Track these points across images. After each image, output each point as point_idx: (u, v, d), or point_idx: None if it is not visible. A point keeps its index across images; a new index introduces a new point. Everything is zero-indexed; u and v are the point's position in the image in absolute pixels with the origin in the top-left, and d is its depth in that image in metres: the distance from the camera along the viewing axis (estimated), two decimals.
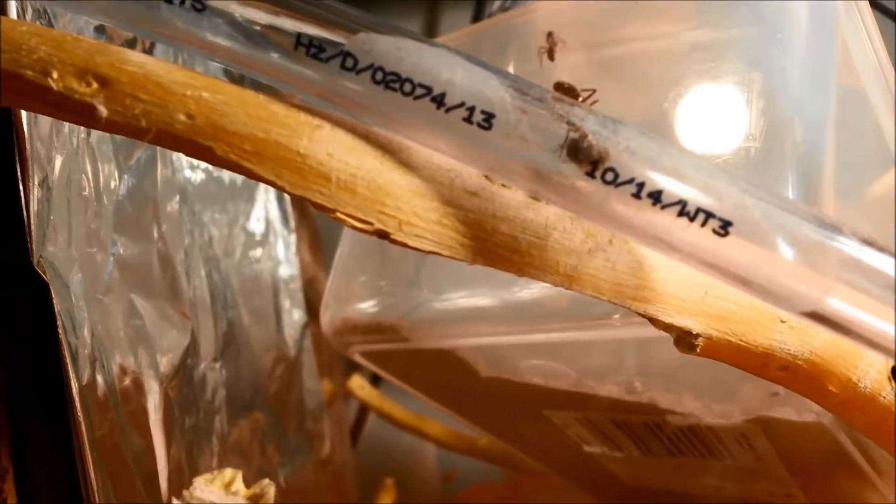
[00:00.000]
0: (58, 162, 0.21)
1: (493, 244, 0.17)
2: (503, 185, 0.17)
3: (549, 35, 0.32)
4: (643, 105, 0.27)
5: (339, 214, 0.16)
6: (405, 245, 0.16)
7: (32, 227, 0.19)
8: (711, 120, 0.27)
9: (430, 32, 0.55)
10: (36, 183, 0.20)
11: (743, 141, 0.26)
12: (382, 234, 0.16)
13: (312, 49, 0.16)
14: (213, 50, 0.17)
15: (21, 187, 0.19)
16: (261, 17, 0.16)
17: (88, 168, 0.23)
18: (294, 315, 0.48)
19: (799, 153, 0.26)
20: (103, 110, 0.16)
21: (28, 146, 0.20)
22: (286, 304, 0.47)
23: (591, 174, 0.16)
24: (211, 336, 0.32)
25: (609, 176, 0.16)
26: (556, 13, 0.32)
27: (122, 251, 0.25)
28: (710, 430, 0.33)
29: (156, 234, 0.28)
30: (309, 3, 0.16)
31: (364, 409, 0.58)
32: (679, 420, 0.33)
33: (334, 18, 0.16)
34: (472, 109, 0.16)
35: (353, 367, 0.53)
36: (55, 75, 0.16)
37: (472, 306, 0.30)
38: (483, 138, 0.16)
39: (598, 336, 0.28)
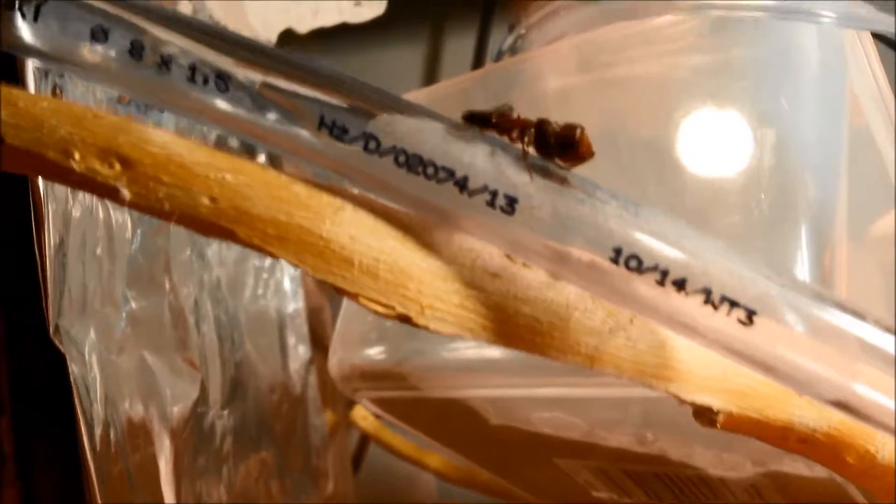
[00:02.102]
0: (73, 221, 0.21)
1: (514, 326, 0.17)
2: (524, 265, 0.17)
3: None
4: (646, 143, 0.27)
5: (361, 300, 0.16)
6: (427, 328, 0.16)
7: (49, 295, 0.19)
8: (721, 171, 0.27)
9: (431, 68, 0.55)
10: (52, 248, 0.20)
11: (755, 193, 0.26)
12: (404, 319, 0.16)
13: (336, 130, 0.16)
14: (232, 124, 0.17)
15: (38, 255, 0.19)
16: (282, 94, 0.16)
17: (102, 223, 0.23)
18: (299, 350, 0.48)
19: (812, 206, 0.25)
20: (126, 193, 0.16)
21: (45, 210, 0.19)
22: (291, 339, 0.47)
23: (614, 260, 0.16)
24: (219, 382, 0.32)
25: (633, 263, 0.15)
26: (558, 52, 0.32)
27: (133, 306, 0.25)
28: (721, 480, 0.32)
29: (167, 286, 0.28)
30: (331, 79, 0.16)
31: (365, 437, 0.58)
32: (689, 471, 0.32)
33: (356, 97, 0.16)
34: (494, 193, 0.16)
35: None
36: (77, 156, 0.16)
37: (481, 357, 0.30)
38: (505, 221, 0.16)
39: (609, 393, 0.27)
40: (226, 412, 0.32)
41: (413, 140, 0.16)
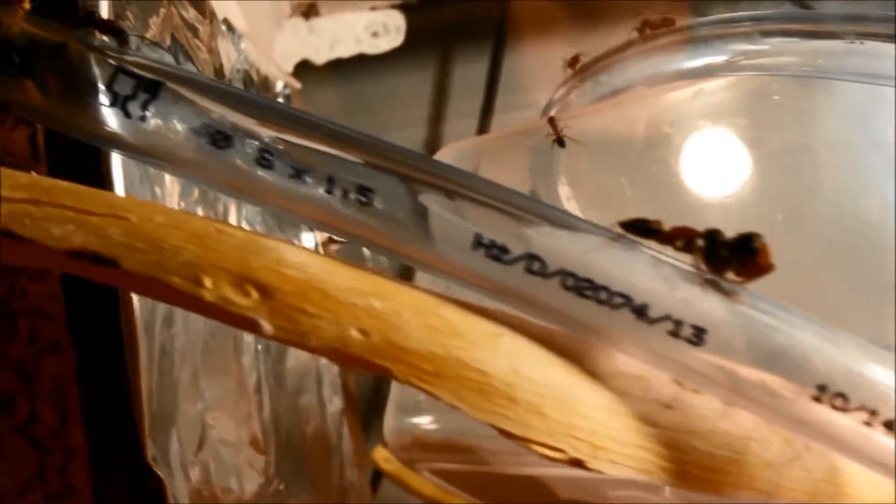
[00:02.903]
0: (157, 326, 0.19)
1: (688, 464, 0.15)
2: (694, 392, 0.15)
3: (552, 120, 0.30)
4: None
5: (527, 443, 0.14)
6: (599, 472, 0.14)
7: (145, 421, 0.17)
8: None
9: (442, 95, 0.53)
10: (143, 373, 0.18)
11: None
12: (576, 463, 0.14)
13: (494, 250, 0.14)
14: (371, 236, 0.15)
15: (130, 385, 0.17)
16: (436, 210, 0.14)
17: (180, 316, 0.22)
18: (334, 402, 0.46)
19: None
20: (268, 327, 0.14)
21: (138, 331, 0.18)
22: (327, 392, 0.46)
23: (817, 398, 0.14)
24: (273, 458, 0.30)
25: (839, 402, 0.14)
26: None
27: (207, 396, 0.23)
28: None
29: (235, 368, 0.26)
30: (487, 192, 0.15)
31: (378, 475, 0.56)
32: None
33: (514, 209, 0.15)
34: (679, 323, 0.14)
35: (374, 436, 0.51)
36: (208, 283, 0.14)
37: None
38: (687, 351, 0.14)
39: None
40: (283, 486, 0.31)
41: (583, 262, 0.14)
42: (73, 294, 0.18)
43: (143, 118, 0.15)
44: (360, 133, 0.15)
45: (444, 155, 0.32)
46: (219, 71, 0.29)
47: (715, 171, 0.29)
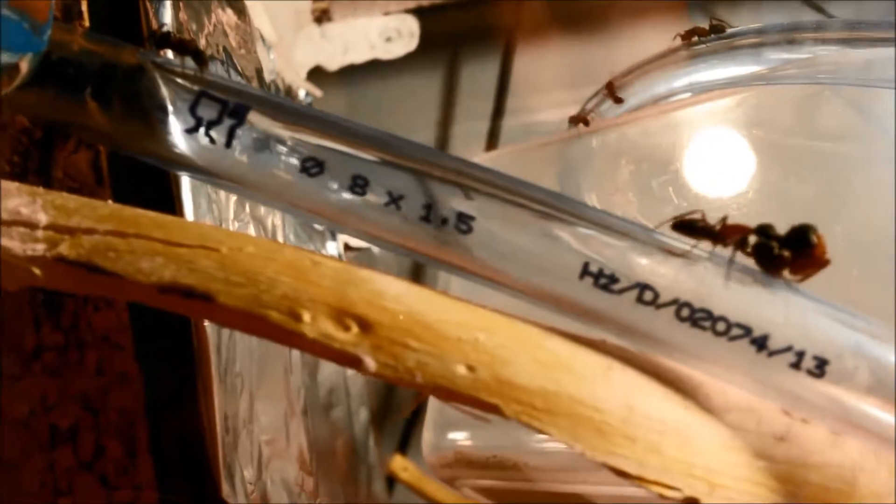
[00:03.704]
0: (223, 353, 0.19)
1: (802, 497, 0.14)
2: (804, 421, 0.15)
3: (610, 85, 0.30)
4: None
5: (643, 482, 0.13)
6: None
7: (219, 455, 0.17)
8: None
9: (452, 98, 0.52)
10: (216, 404, 0.17)
11: None
12: (691, 501, 0.14)
13: (602, 279, 0.14)
14: (474, 269, 0.14)
15: (203, 417, 0.17)
16: (542, 239, 0.14)
17: (236, 341, 0.21)
18: (361, 415, 0.46)
19: None
20: (371, 363, 0.13)
21: (211, 362, 0.17)
22: (354, 405, 0.45)
23: None
24: (318, 477, 0.30)
25: None
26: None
27: (262, 420, 0.22)
28: None
29: (285, 389, 0.25)
30: (594, 221, 0.14)
31: (391, 480, 0.56)
32: None
33: (622, 238, 0.14)
34: (801, 355, 0.13)
35: (387, 442, 0.50)
36: (307, 318, 0.13)
37: None
38: (807, 384, 0.14)
39: None
40: (321, 497, 0.30)
41: (700, 292, 0.13)
42: (141, 324, 0.17)
43: (228, 144, 0.14)
44: (459, 159, 0.14)
45: None
46: (260, 76, 0.28)
47: (753, 181, 0.29)
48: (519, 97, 0.51)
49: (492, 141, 0.50)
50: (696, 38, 0.29)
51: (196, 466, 0.17)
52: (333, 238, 0.43)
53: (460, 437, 0.31)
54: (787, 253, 0.14)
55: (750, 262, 0.15)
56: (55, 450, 0.17)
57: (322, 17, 0.50)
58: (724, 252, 0.15)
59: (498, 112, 0.51)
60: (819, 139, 0.28)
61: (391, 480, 0.57)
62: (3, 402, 0.17)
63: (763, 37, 0.30)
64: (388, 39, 0.51)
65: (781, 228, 0.28)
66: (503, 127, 0.50)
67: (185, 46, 0.15)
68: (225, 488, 0.18)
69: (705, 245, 0.15)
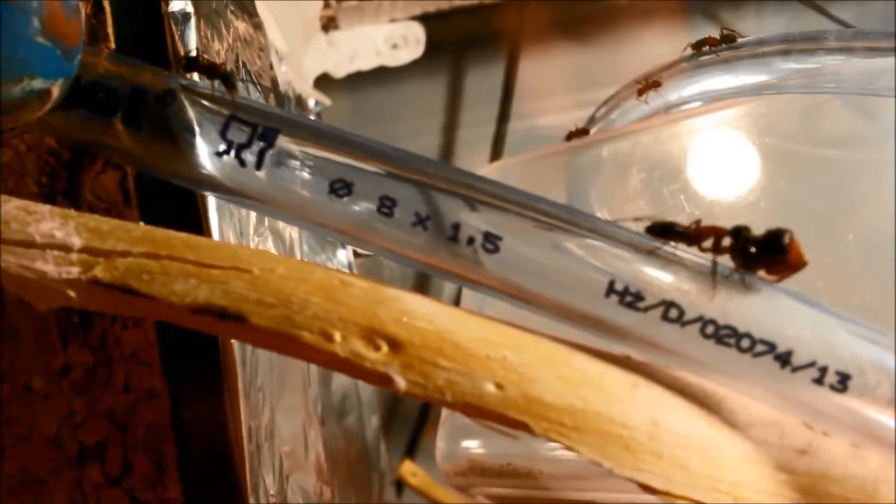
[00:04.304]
0: (247, 368, 0.19)
1: None
2: (825, 434, 0.15)
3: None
4: None
5: (668, 497, 0.14)
6: None
7: (246, 471, 0.17)
8: None
9: (457, 103, 0.53)
10: (243, 420, 0.17)
11: None
12: None
13: (628, 297, 0.14)
14: (495, 286, 0.15)
15: (230, 432, 0.17)
16: (566, 257, 0.14)
17: (258, 357, 0.21)
18: (372, 421, 0.46)
19: None
20: (402, 382, 0.13)
21: (238, 379, 0.17)
22: (366, 412, 0.45)
23: None
24: (335, 487, 0.30)
25: None
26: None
27: (283, 432, 0.23)
28: None
29: (304, 401, 0.25)
30: (620, 239, 0.14)
31: (400, 485, 0.56)
32: None
33: (646, 255, 0.14)
34: (824, 370, 0.14)
35: (396, 448, 0.50)
36: (338, 338, 0.13)
37: None
38: (829, 399, 0.14)
39: None
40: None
41: (724, 308, 0.14)
42: (168, 341, 0.18)
43: (258, 167, 0.15)
44: (483, 178, 0.14)
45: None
46: (276, 88, 0.28)
47: (763, 189, 0.29)
48: (524, 102, 0.51)
49: (497, 145, 0.50)
50: (705, 48, 0.29)
51: (223, 481, 0.18)
52: (343, 247, 0.43)
53: (473, 446, 0.31)
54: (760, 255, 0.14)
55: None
56: (83, 466, 0.18)
57: (329, 24, 0.51)
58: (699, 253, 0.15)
59: (503, 117, 0.51)
60: (828, 146, 0.29)
61: (400, 486, 0.57)
62: (32, 420, 0.17)
63: (771, 46, 0.30)
64: (395, 46, 0.51)
65: (799, 234, 0.29)
66: (508, 131, 0.50)
67: (214, 70, 0.15)
68: (251, 502, 0.18)
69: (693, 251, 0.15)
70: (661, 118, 0.33)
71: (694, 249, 0.14)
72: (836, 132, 0.29)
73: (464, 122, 0.52)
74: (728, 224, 0.15)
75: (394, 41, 0.51)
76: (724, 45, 0.29)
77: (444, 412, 0.33)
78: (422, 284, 0.44)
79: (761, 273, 0.15)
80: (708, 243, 0.15)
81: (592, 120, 0.37)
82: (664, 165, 0.31)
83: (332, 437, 0.33)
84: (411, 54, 0.51)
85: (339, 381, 0.39)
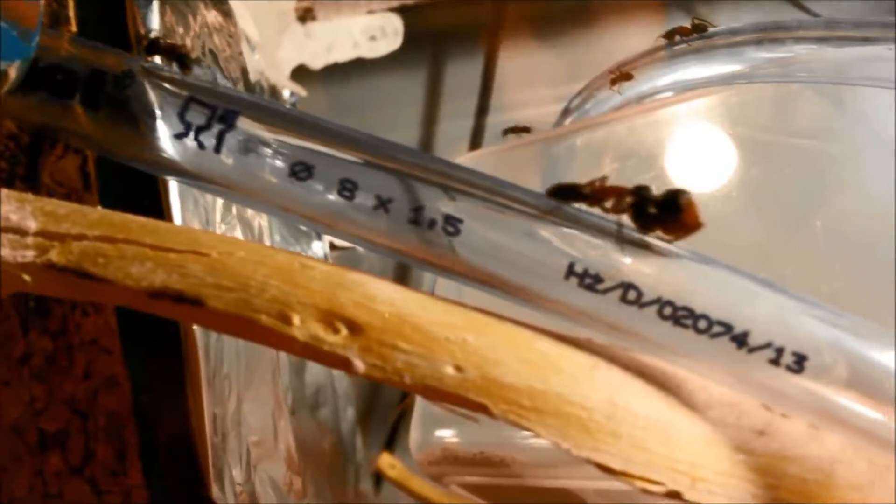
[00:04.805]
0: (211, 356, 0.19)
1: (781, 489, 0.15)
2: (783, 416, 0.15)
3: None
4: None
5: (627, 477, 0.14)
6: (695, 503, 0.14)
7: (208, 458, 0.17)
8: None
9: (436, 95, 0.52)
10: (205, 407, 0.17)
11: None
12: (674, 495, 0.14)
13: (587, 279, 0.14)
14: (467, 275, 0.15)
15: (192, 420, 0.17)
16: (527, 240, 0.14)
17: (224, 344, 0.21)
18: (348, 413, 0.46)
19: None
20: (360, 364, 0.13)
21: (200, 364, 0.17)
22: (341, 403, 0.45)
23: None
24: (306, 477, 0.30)
25: None
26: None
27: (251, 421, 0.23)
28: None
29: (273, 391, 0.25)
30: (580, 222, 0.14)
31: (378, 478, 0.56)
32: None
33: (607, 238, 0.14)
34: (780, 351, 0.14)
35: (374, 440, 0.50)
36: (297, 321, 0.13)
37: None
38: (786, 380, 0.14)
39: None
40: (309, 497, 0.30)
41: (682, 290, 0.14)
42: (129, 327, 0.17)
43: (217, 149, 0.14)
44: (445, 162, 0.14)
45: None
46: (245, 77, 0.28)
47: (736, 178, 0.29)
48: (503, 94, 0.51)
49: (476, 138, 0.50)
50: (677, 38, 0.29)
51: (185, 469, 0.17)
52: (319, 238, 0.43)
53: (447, 435, 0.31)
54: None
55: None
56: (45, 454, 0.17)
57: (306, 15, 0.50)
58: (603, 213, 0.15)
59: (482, 109, 0.51)
60: (799, 136, 0.29)
61: (378, 478, 0.57)
62: None
63: (743, 36, 0.31)
64: (372, 38, 0.51)
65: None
66: (488, 124, 0.50)
67: (171, 52, 0.15)
68: (214, 490, 0.18)
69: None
70: (633, 108, 0.33)
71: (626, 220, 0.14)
72: (807, 122, 0.29)
73: (443, 114, 0.51)
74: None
75: (371, 33, 0.51)
76: (695, 34, 0.29)
77: (418, 403, 0.33)
78: (402, 277, 0.44)
79: (659, 233, 0.14)
80: (610, 203, 0.15)
81: (567, 110, 0.37)
82: (637, 155, 0.31)
83: (305, 428, 0.32)
84: (389, 46, 0.50)
85: (313, 371, 0.38)
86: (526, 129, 0.32)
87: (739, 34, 0.30)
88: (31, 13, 0.15)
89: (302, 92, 0.45)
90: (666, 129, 0.30)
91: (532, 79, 0.52)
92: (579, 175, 0.32)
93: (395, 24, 0.51)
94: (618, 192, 0.14)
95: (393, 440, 0.49)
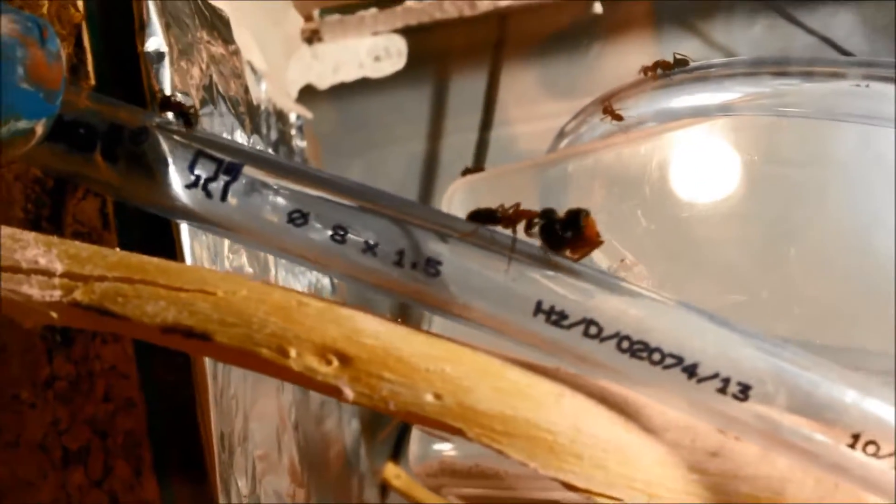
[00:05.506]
0: (219, 376, 0.20)
1: None
2: (737, 439, 0.17)
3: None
4: None
5: (590, 494, 0.15)
6: None
7: (216, 473, 0.18)
8: None
9: (441, 114, 0.54)
10: (213, 426, 0.19)
11: None
12: None
13: (553, 316, 0.16)
14: (446, 310, 0.16)
15: (202, 438, 0.19)
16: (498, 278, 0.16)
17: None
18: (352, 425, 0.47)
19: None
20: (349, 392, 0.15)
21: (208, 388, 0.19)
22: (346, 416, 0.47)
23: (851, 446, 0.15)
24: (310, 489, 0.31)
25: (871, 449, 0.15)
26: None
27: (257, 437, 0.24)
28: None
29: (277, 406, 0.27)
30: (549, 263, 0.16)
31: (384, 488, 0.57)
32: None
33: (574, 279, 0.16)
34: (727, 381, 0.15)
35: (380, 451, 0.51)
36: (293, 354, 0.15)
37: None
38: (734, 407, 0.16)
39: None
40: None
41: (638, 326, 0.15)
42: (145, 355, 0.19)
43: (223, 198, 0.16)
44: (426, 207, 0.16)
45: (454, 189, 0.33)
46: (249, 106, 0.30)
47: (717, 204, 0.31)
48: (506, 111, 0.52)
49: (480, 154, 0.52)
50: (659, 71, 0.31)
51: (196, 483, 0.19)
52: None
53: (445, 448, 0.32)
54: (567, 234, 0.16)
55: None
56: (67, 469, 0.19)
57: (313, 37, 0.52)
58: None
59: (485, 126, 0.52)
60: (781, 165, 0.30)
61: (384, 488, 0.58)
62: (20, 428, 0.19)
63: (728, 69, 0.32)
64: (377, 58, 0.52)
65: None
66: (491, 139, 0.52)
67: (178, 109, 0.17)
68: (222, 502, 0.20)
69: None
70: (621, 137, 0.34)
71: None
72: (789, 152, 0.30)
73: (447, 131, 0.53)
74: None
75: (376, 53, 0.52)
76: (676, 68, 0.30)
77: None
78: (404, 308, 0.45)
79: (567, 254, 0.16)
80: (521, 226, 0.16)
81: (562, 133, 0.39)
82: (623, 182, 0.32)
83: (310, 439, 0.34)
84: (393, 66, 0.52)
85: None
86: (480, 169, 0.35)
87: (720, 67, 0.32)
88: (55, 76, 0.16)
89: (308, 114, 0.46)
90: (649, 158, 0.32)
91: (535, 96, 0.54)
92: (572, 200, 0.34)
93: (399, 45, 0.52)
94: (528, 216, 0.16)
95: (398, 451, 0.50)
